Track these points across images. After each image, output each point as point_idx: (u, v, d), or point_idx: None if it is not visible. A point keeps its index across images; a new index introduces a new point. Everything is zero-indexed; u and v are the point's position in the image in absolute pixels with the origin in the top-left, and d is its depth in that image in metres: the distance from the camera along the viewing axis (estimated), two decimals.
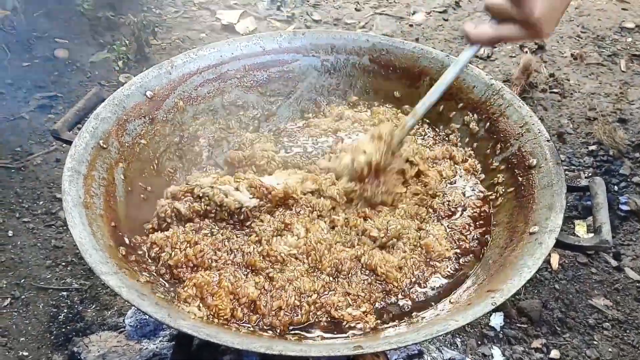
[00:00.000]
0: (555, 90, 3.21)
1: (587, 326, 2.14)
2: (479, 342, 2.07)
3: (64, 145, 2.59)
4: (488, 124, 1.74)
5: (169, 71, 1.81)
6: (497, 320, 2.13)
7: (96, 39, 3.36)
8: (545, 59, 3.45)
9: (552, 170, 1.50)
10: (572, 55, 3.49)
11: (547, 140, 1.58)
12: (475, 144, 1.78)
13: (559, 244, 1.37)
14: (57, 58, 3.21)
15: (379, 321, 1.36)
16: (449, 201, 1.64)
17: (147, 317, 1.94)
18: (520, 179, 1.57)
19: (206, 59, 1.87)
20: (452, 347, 2.02)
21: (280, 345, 1.14)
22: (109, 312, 2.11)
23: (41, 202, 2.50)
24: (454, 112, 1.83)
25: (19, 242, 2.34)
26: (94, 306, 2.14)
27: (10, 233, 2.37)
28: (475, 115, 1.78)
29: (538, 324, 2.13)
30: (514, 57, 3.42)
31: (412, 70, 1.91)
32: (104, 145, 1.58)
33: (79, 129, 1.58)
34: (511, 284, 1.24)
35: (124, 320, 2.01)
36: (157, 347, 1.88)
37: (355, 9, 3.83)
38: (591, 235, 1.43)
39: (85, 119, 1.63)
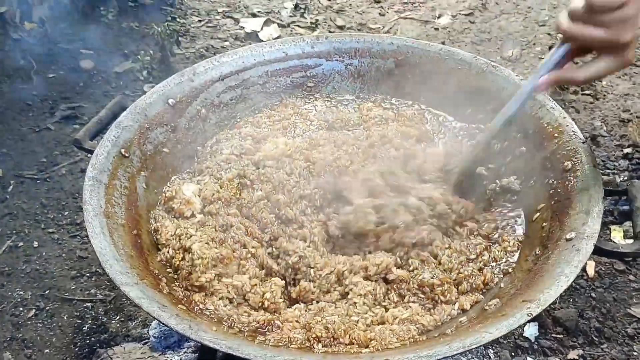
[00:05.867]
0: (587, 91, 3.12)
1: (626, 336, 2.05)
2: (513, 354, 2.00)
3: (89, 155, 2.60)
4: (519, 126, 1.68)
5: (191, 78, 1.79)
6: (531, 330, 2.06)
7: (120, 49, 3.37)
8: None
9: (588, 173, 1.44)
10: None
11: (583, 142, 1.52)
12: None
13: (597, 251, 1.30)
14: (82, 69, 3.23)
15: None
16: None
17: None
18: (554, 183, 1.51)
19: (228, 66, 1.86)
20: (485, 359, 1.96)
21: (305, 358, 1.10)
22: (133, 323, 2.09)
23: (66, 213, 2.50)
24: (483, 116, 1.77)
25: (44, 253, 2.34)
26: (118, 317, 2.12)
27: (35, 244, 2.36)
28: None
29: (574, 334, 2.05)
30: (543, 58, 3.34)
31: (439, 73, 1.86)
32: (126, 154, 1.57)
33: (102, 137, 1.57)
34: (548, 294, 1.19)
35: (148, 332, 1.99)
36: (181, 359, 1.85)
37: (379, 13, 3.79)
38: (630, 241, 1.36)
39: (107, 128, 1.62)
